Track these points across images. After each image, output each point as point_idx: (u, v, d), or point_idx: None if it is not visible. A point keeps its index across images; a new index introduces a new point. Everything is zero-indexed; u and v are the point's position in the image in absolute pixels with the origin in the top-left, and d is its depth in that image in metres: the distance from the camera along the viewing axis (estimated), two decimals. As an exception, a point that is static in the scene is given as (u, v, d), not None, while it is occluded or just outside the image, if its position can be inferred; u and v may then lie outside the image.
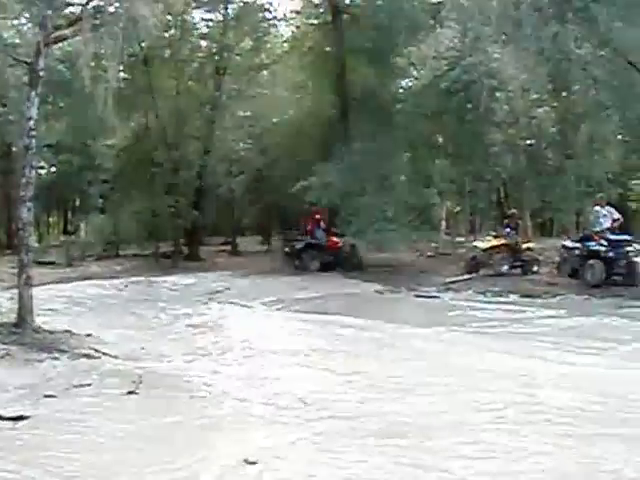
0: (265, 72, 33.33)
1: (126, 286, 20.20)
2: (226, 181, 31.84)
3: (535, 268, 21.58)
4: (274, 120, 32.06)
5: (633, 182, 29.43)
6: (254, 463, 5.62)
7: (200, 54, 31.36)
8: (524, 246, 21.83)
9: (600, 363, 9.73)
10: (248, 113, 33.01)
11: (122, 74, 26.82)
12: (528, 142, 27.36)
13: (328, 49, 27.26)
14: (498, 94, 25.86)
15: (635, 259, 18.47)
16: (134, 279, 21.26)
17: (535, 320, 14.24)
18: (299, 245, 24.05)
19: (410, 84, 29.15)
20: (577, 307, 15.92)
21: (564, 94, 25.50)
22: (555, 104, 26.09)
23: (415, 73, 29.05)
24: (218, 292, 19.20)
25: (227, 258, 30.50)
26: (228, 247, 34.16)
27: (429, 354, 10.36)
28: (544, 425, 6.61)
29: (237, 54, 30.90)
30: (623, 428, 6.51)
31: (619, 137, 28.16)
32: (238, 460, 5.69)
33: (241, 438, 6.32)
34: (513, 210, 23.69)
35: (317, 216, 24.34)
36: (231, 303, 16.73)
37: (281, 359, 9.84)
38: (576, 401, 7.33)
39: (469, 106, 25.25)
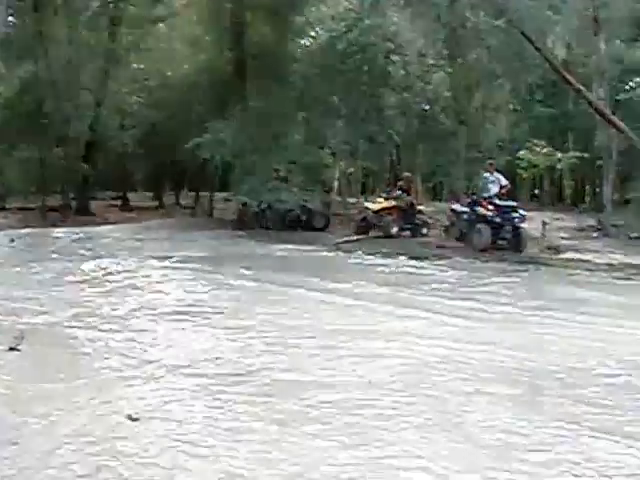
0: (162, 25, 32.74)
1: (12, 240, 19.72)
2: (118, 135, 31.26)
3: (425, 231, 22.01)
4: (169, 74, 31.57)
5: (521, 151, 30.17)
6: (137, 419, 5.60)
7: (95, 3, 30.54)
8: (415, 208, 22.17)
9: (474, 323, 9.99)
10: (143, 66, 32.44)
11: (11, 18, 25.94)
12: (422, 107, 27.73)
13: (227, 4, 26.91)
14: (394, 58, 26.12)
15: (521, 225, 19.00)
16: (20, 232, 20.74)
17: (418, 281, 14.45)
18: None
19: (308, 44, 29.11)
20: (463, 269, 16.27)
21: (459, 61, 25.86)
22: (450, 70, 26.46)
23: (313, 33, 29.03)
24: (108, 246, 18.92)
25: (118, 213, 30.06)
26: (119, 202, 33.68)
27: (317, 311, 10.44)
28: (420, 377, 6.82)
29: (132, 4, 30.25)
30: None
31: (510, 106, 28.88)
32: (120, 417, 5.64)
33: (123, 395, 6.27)
34: (406, 173, 24.00)
35: None
36: (121, 257, 16.48)
37: (171, 317, 9.75)
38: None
39: (365, 68, 25.40)
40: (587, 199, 34.39)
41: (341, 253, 18.81)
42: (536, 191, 34.80)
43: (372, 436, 5.39)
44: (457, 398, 6.35)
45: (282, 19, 25.62)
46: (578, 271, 16.28)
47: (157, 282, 12.95)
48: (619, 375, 7.30)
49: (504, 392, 6.58)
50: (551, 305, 11.53)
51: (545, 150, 29.22)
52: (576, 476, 4.80)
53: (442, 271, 15.78)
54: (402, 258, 17.58)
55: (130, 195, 34.68)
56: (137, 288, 12.19)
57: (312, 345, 8.20)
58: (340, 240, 20.89)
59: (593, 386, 6.84)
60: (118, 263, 15.35)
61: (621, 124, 22.09)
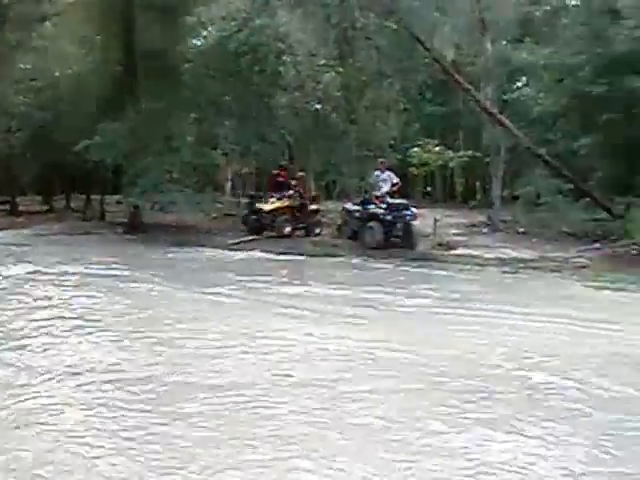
0: (49, 24, 31.93)
1: None
2: (5, 137, 30.39)
3: (318, 230, 22.09)
4: (57, 74, 30.82)
5: (414, 149, 30.63)
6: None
7: (-24, 0, 29.59)
8: (308, 208, 22.24)
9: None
10: (30, 66, 31.59)
11: None
12: (314, 106, 27.82)
13: (116, 3, 26.38)
14: (285, 57, 26.14)
15: (412, 222, 19.27)
16: None
17: (309, 278, 14.53)
18: None
19: (199, 44, 28.86)
20: (355, 267, 16.44)
21: (350, 61, 26.02)
22: (341, 70, 26.60)
23: (205, 33, 28.79)
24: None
25: (6, 218, 29.21)
26: (7, 206, 32.73)
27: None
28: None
29: (17, 2, 29.41)
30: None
31: (401, 105, 29.23)
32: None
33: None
34: (300, 173, 24.07)
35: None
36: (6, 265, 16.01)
37: (57, 324, 9.52)
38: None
39: (256, 68, 25.33)
40: (478, 196, 35.12)
41: (231, 253, 18.76)
42: (428, 188, 35.43)
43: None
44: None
45: (173, 19, 25.25)
46: (469, 266, 16.65)
47: (44, 289, 12.62)
48: (502, 367, 7.49)
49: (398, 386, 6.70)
50: (441, 300, 11.77)
51: (437, 148, 29.77)
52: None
53: (335, 269, 15.92)
54: (294, 257, 17.68)
55: (19, 199, 33.74)
56: (24, 294, 11.86)
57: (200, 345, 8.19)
58: (233, 241, 20.78)
59: (476, 378, 7.00)
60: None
61: (508, 123, 22.67)
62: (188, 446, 5.21)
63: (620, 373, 7.35)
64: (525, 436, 5.54)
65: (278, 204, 21.70)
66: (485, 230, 23.00)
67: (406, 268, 16.20)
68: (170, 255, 18.43)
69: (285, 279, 14.45)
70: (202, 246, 19.95)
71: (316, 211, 22.62)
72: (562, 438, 5.52)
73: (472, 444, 5.35)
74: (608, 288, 13.92)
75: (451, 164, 30.83)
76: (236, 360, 7.59)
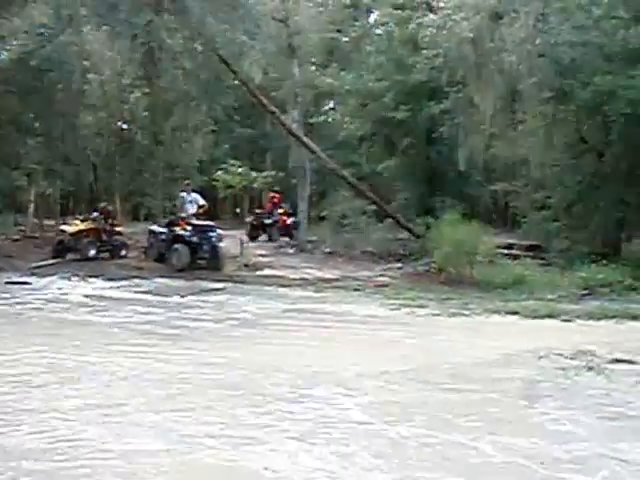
0: None
1: None
2: None
3: (124, 252, 21.61)
4: None
5: (219, 172, 30.68)
6: None
7: None
8: (113, 230, 21.76)
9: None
10: None
11: None
12: (120, 126, 27.35)
13: None
14: (91, 76, 25.56)
15: (218, 244, 19.23)
16: None
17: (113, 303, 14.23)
18: None
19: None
20: (160, 290, 16.21)
21: (156, 81, 25.74)
22: (147, 90, 26.30)
23: (8, 47, 27.67)
24: None
25: None
26: None
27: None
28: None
29: None
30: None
31: (210, 127, 29.24)
32: None
33: None
34: (103, 204, 23.40)
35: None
36: None
37: None
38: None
39: (60, 86, 24.59)
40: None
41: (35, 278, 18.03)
42: (237, 210, 35.43)
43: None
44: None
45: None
46: (273, 287, 16.78)
47: None
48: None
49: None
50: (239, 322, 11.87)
51: (241, 170, 29.94)
52: None
53: (137, 292, 15.68)
54: (95, 280, 17.26)
55: None
56: None
57: None
58: (35, 264, 19.96)
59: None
60: None
61: (313, 145, 23.10)
62: None
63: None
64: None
65: (82, 226, 21.10)
66: (291, 251, 23.31)
67: (211, 290, 16.11)
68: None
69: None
70: (2, 270, 19.01)
71: (119, 233, 22.13)
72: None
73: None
74: (408, 305, 14.41)
75: (255, 185, 31.07)
76: None
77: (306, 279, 17.94)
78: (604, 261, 17.86)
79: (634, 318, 13.11)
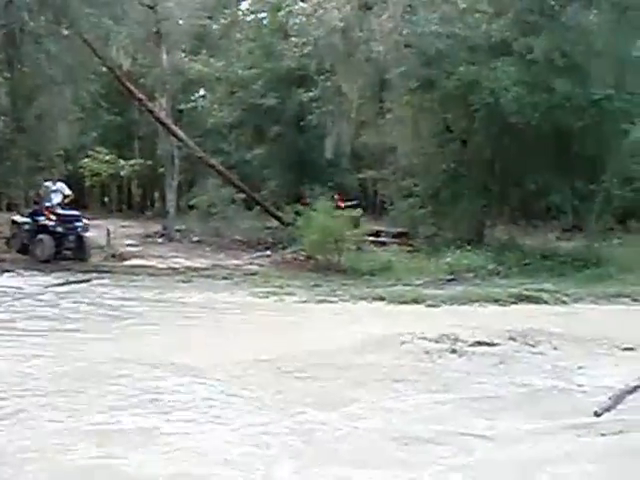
0: None
1: None
2: None
3: (-16, 244, 20.88)
4: None
5: (85, 159, 30.04)
6: None
7: None
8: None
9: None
10: None
11: None
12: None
13: None
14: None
15: (84, 234, 18.81)
16: None
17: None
18: None
19: None
20: (24, 282, 15.73)
21: (18, 66, 24.85)
22: (8, 75, 25.35)
23: None
24: None
25: None
26: None
27: None
28: None
29: None
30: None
31: (75, 114, 28.45)
32: None
33: None
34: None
35: None
36: None
37: None
38: None
39: None
40: (156, 205, 34.98)
41: None
42: (105, 199, 34.78)
43: None
44: None
45: None
46: (141, 277, 16.56)
47: None
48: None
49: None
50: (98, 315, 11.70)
51: (107, 158, 29.39)
52: None
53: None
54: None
55: None
56: None
57: None
58: None
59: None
60: None
61: (181, 133, 22.91)
62: None
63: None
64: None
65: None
66: (160, 240, 23.06)
67: (77, 281, 15.73)
68: None
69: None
70: None
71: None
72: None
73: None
74: (276, 293, 14.49)
75: (123, 173, 30.56)
76: None
77: (174, 268, 17.84)
78: (469, 247, 18.52)
79: (496, 302, 13.65)
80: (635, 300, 14.48)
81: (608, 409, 6.92)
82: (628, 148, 20.19)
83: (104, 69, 24.59)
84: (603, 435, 6.22)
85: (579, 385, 7.85)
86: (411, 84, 21.05)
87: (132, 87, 22.85)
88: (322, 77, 23.40)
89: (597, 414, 6.74)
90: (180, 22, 28.04)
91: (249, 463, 5.39)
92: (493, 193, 20.68)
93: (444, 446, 5.85)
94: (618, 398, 7.23)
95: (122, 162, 29.51)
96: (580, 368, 8.58)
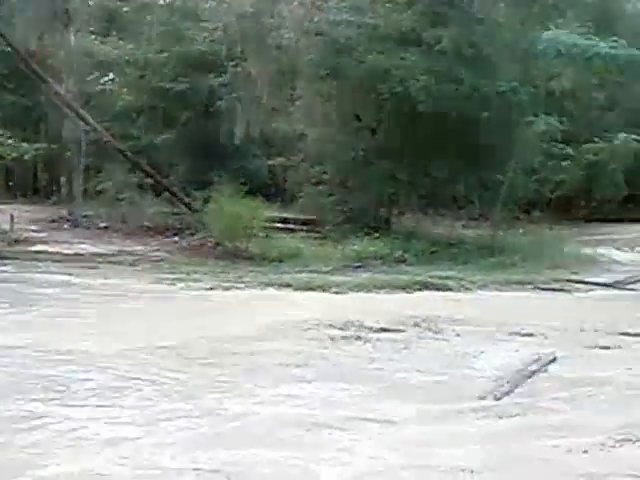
0: None
1: None
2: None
3: None
4: None
5: None
6: None
7: None
8: None
9: None
10: None
11: None
12: None
13: None
14: None
15: None
16: None
17: None
18: None
19: None
20: None
21: None
22: None
23: None
24: None
25: None
26: None
27: None
28: None
29: None
30: None
31: None
32: None
33: None
34: None
35: None
36: None
37: None
38: None
39: None
40: (63, 190, 34.24)
41: None
42: (10, 183, 33.85)
43: None
44: None
45: None
46: (46, 263, 16.27)
47: None
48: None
49: None
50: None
51: (10, 141, 28.61)
52: None
53: None
54: None
55: None
56: None
57: None
58: None
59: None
60: None
61: (88, 117, 22.50)
62: None
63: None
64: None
65: None
66: (66, 226, 22.56)
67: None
68: None
69: None
70: None
71: None
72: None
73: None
74: (183, 280, 14.43)
75: (26, 157, 29.83)
76: None
77: (80, 254, 17.60)
78: (376, 234, 18.74)
79: (402, 289, 13.89)
80: (537, 288, 14.95)
81: (507, 393, 7.12)
82: (532, 139, 20.78)
83: (8, 49, 23.91)
84: (500, 418, 6.38)
85: (480, 370, 8.03)
86: (321, 72, 21.13)
87: (37, 68, 22.28)
88: (232, 63, 23.26)
89: (497, 398, 6.94)
90: (90, 3, 27.51)
91: (140, 447, 5.37)
92: (401, 182, 20.89)
93: (345, 431, 5.91)
94: (517, 382, 7.46)
95: (26, 145, 28.76)
96: (482, 353, 8.81)
